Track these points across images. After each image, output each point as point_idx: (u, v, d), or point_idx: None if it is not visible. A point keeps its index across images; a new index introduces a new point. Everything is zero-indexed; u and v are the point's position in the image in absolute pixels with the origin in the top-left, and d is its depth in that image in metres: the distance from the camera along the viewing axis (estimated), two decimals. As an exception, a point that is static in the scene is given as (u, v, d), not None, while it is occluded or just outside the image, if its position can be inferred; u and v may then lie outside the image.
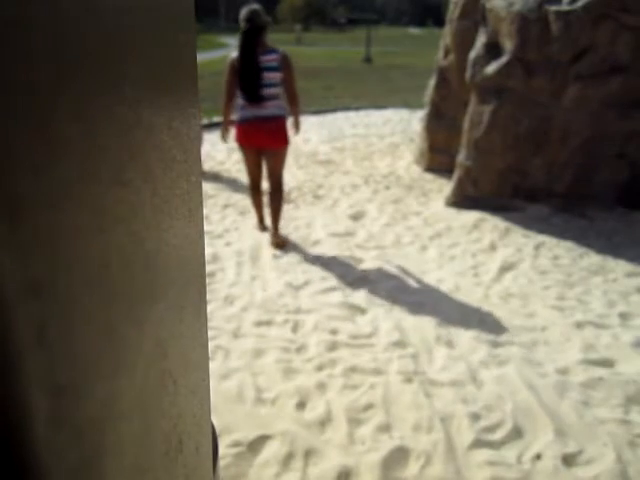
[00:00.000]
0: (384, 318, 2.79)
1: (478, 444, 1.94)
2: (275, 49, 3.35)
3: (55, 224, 0.21)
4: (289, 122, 3.49)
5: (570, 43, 4.07)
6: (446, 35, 5.43)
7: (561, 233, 4.05)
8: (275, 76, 3.31)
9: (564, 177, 4.46)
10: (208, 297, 2.85)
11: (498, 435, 1.99)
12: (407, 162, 6.07)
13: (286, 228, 3.98)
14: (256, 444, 1.91)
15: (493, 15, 4.41)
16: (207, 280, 3.02)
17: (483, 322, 2.78)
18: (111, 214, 0.25)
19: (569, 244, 3.86)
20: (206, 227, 3.92)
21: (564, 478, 1.81)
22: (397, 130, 7.76)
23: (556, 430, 2.01)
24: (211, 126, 7.52)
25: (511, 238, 3.97)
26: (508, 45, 4.29)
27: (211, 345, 2.46)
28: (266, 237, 3.81)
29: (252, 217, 4.29)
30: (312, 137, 7.20)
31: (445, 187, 5.05)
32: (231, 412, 2.07)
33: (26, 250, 0.19)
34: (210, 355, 2.39)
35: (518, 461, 1.88)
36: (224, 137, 3.62)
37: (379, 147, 6.74)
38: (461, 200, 4.59)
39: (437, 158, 5.58)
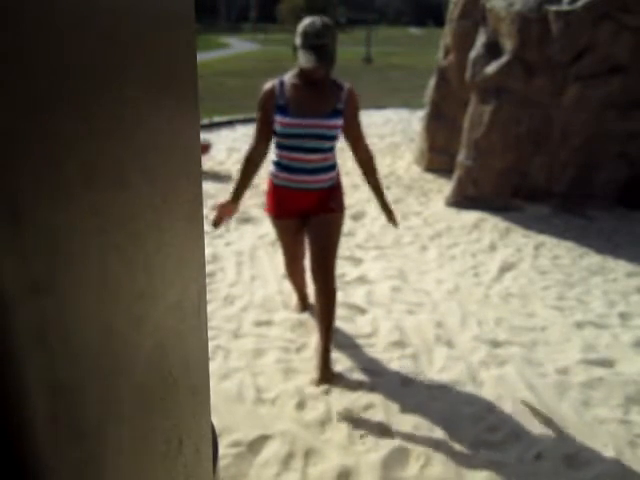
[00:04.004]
0: (384, 318, 2.79)
1: (478, 444, 1.94)
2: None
3: (55, 224, 0.21)
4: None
5: (570, 43, 4.07)
6: (446, 35, 5.43)
7: (561, 233, 4.05)
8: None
9: (564, 177, 4.46)
10: (208, 297, 2.85)
11: (498, 435, 1.99)
12: (407, 162, 6.07)
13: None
14: (256, 444, 1.91)
15: (493, 15, 4.41)
16: (207, 280, 3.02)
17: (483, 322, 2.78)
18: (111, 214, 0.25)
19: (569, 244, 3.86)
20: (206, 227, 3.92)
21: (564, 478, 1.81)
22: (397, 130, 7.76)
23: (556, 430, 2.01)
24: (211, 126, 7.52)
25: (511, 238, 3.97)
26: (508, 45, 4.29)
27: (211, 345, 2.46)
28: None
29: (255, 222, 4.28)
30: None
31: (445, 187, 5.05)
32: (231, 412, 2.07)
33: (26, 250, 0.19)
34: (210, 355, 2.38)
35: (518, 461, 1.88)
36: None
37: (379, 147, 6.73)
38: (461, 200, 4.59)
39: (437, 158, 5.58)
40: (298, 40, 2.09)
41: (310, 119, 2.12)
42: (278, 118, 2.14)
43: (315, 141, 2.15)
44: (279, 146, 2.23)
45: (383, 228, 4.10)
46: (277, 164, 2.27)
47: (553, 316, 2.87)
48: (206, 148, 5.51)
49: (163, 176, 0.31)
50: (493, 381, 2.30)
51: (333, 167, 2.29)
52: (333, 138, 2.18)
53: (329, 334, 2.31)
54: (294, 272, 2.66)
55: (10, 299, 0.18)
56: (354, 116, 2.22)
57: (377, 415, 2.07)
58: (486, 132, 4.38)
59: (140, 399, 0.29)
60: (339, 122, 2.16)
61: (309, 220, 2.32)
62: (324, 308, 2.29)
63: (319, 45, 2.05)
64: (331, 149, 2.24)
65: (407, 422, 2.04)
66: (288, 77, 2.19)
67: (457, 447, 1.93)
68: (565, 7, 4.04)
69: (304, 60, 2.07)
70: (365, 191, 5.00)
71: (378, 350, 2.51)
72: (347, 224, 4.17)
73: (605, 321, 2.82)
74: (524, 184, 4.54)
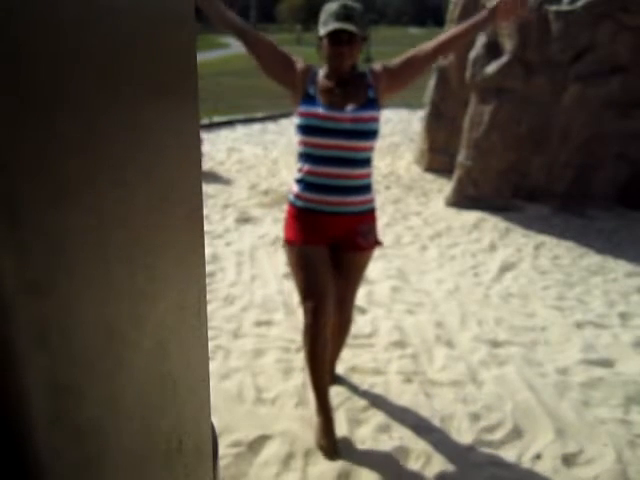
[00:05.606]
0: (384, 318, 2.79)
1: (478, 444, 1.94)
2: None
3: (55, 224, 0.21)
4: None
5: (570, 43, 4.07)
6: (446, 35, 5.43)
7: (561, 233, 4.05)
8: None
9: (564, 177, 4.46)
10: (208, 297, 2.84)
11: (498, 435, 1.99)
12: (407, 162, 6.07)
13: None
14: (256, 444, 1.91)
15: (493, 15, 4.40)
16: (207, 280, 2.99)
17: (483, 322, 2.78)
18: (111, 214, 0.25)
19: (569, 244, 3.86)
20: (206, 227, 3.92)
21: (564, 478, 1.80)
22: (397, 130, 7.76)
23: (556, 430, 2.01)
24: (211, 126, 7.52)
25: (511, 238, 3.97)
26: (508, 45, 4.29)
27: (211, 345, 2.46)
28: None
29: (255, 222, 4.27)
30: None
31: (445, 187, 5.04)
32: (231, 412, 2.06)
33: (26, 250, 0.19)
34: (210, 355, 2.38)
35: (518, 461, 1.88)
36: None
37: (379, 147, 6.73)
38: (461, 200, 4.59)
39: (437, 158, 5.59)
40: (321, 20, 1.81)
41: (342, 112, 1.79)
42: (303, 108, 1.81)
43: (349, 141, 1.79)
44: (304, 157, 1.85)
45: (383, 228, 4.10)
46: (301, 182, 1.88)
47: (553, 316, 2.87)
48: None
49: (163, 176, 0.31)
50: (493, 381, 2.30)
51: (368, 188, 1.91)
52: (369, 136, 1.82)
53: (339, 356, 2.26)
54: (322, 354, 1.91)
55: (10, 299, 0.18)
56: (398, 64, 2.01)
57: (377, 415, 2.07)
58: (486, 132, 4.38)
59: (140, 399, 0.29)
60: (375, 113, 1.83)
61: (338, 257, 1.96)
62: (340, 333, 2.13)
63: (346, 14, 1.76)
64: (368, 162, 1.87)
65: (407, 422, 2.04)
66: (320, 72, 1.89)
67: (457, 447, 1.92)
68: (565, 7, 4.04)
69: (328, 28, 1.76)
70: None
71: (378, 350, 2.51)
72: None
73: (605, 321, 2.82)
74: (524, 184, 4.54)
